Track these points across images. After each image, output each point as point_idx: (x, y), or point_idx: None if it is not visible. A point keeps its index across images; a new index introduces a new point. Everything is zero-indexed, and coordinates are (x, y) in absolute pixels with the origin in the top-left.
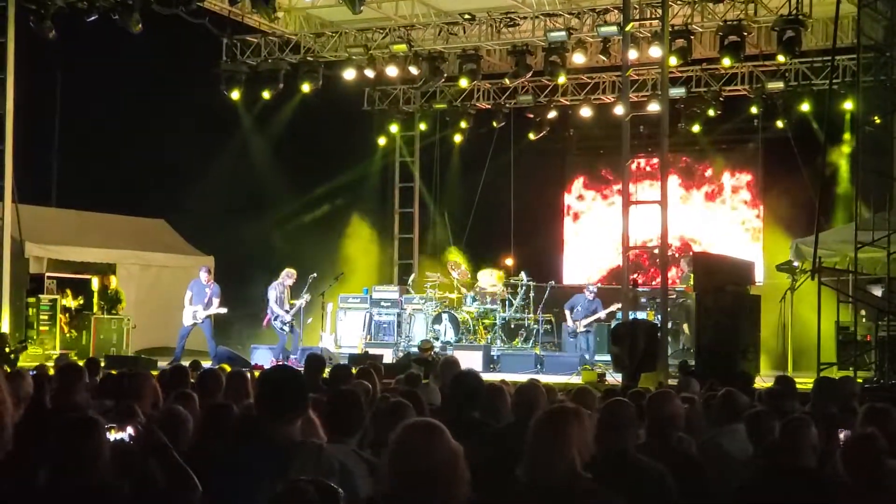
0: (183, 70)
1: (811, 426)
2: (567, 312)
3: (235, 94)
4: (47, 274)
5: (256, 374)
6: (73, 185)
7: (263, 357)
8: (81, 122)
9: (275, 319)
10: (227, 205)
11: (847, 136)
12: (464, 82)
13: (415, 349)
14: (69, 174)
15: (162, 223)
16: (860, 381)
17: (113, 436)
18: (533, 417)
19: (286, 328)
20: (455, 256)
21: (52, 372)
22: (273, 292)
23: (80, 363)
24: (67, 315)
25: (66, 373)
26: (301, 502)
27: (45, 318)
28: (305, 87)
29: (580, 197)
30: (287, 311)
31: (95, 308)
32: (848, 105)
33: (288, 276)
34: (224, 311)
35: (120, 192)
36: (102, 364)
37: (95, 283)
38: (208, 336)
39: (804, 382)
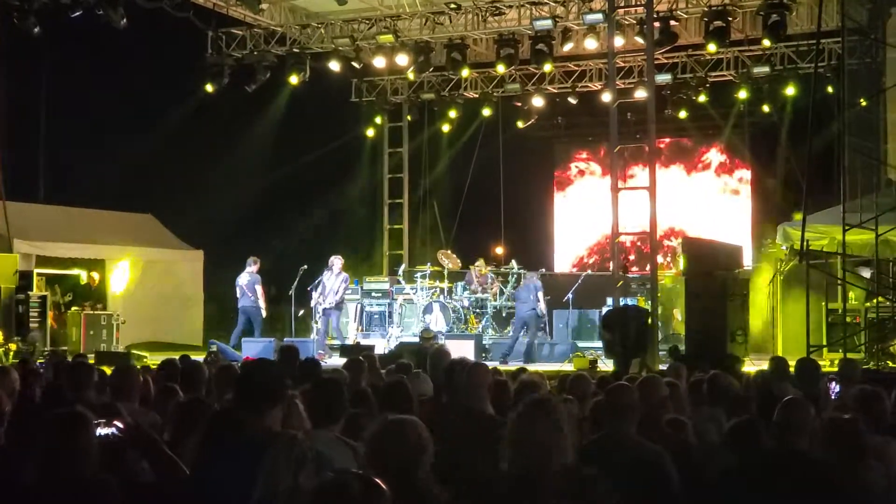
0: (168, 64)
1: (810, 408)
2: None
3: (221, 87)
4: (36, 270)
5: None
6: (61, 181)
7: (253, 350)
8: (67, 117)
9: None
10: (214, 198)
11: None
12: (465, 72)
13: (407, 339)
14: (56, 170)
15: (150, 218)
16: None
17: (100, 431)
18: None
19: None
20: (445, 249)
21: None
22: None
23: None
24: (56, 311)
25: (77, 370)
26: (344, 497)
27: (35, 314)
28: (292, 79)
29: (569, 184)
30: (316, 301)
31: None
32: (833, 88)
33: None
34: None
35: (107, 187)
36: (92, 360)
37: (85, 277)
38: (259, 327)
39: (793, 365)
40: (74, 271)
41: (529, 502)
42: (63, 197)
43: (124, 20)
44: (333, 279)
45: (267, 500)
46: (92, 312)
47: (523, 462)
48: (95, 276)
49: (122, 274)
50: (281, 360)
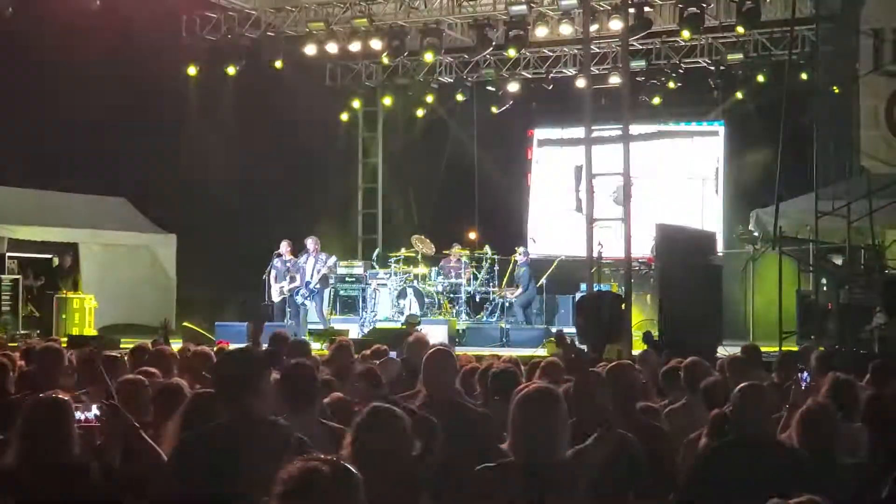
0: (142, 47)
1: (766, 392)
2: None
3: (195, 71)
4: (8, 254)
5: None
6: (33, 164)
7: (227, 334)
8: (40, 100)
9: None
10: (188, 182)
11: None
12: (428, 56)
13: (381, 324)
14: (28, 153)
15: (123, 201)
16: (821, 349)
17: (79, 415)
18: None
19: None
20: (419, 234)
21: None
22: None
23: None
24: (29, 295)
25: (47, 355)
26: (313, 484)
27: (7, 298)
28: (266, 63)
29: (543, 170)
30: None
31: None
32: (807, 75)
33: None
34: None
35: (80, 170)
36: (65, 343)
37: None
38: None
39: (766, 351)
40: (47, 255)
41: (536, 492)
42: (35, 180)
43: (97, 2)
44: (311, 261)
45: (250, 488)
46: (64, 296)
47: (529, 451)
48: (68, 259)
49: (94, 257)
50: (270, 346)
